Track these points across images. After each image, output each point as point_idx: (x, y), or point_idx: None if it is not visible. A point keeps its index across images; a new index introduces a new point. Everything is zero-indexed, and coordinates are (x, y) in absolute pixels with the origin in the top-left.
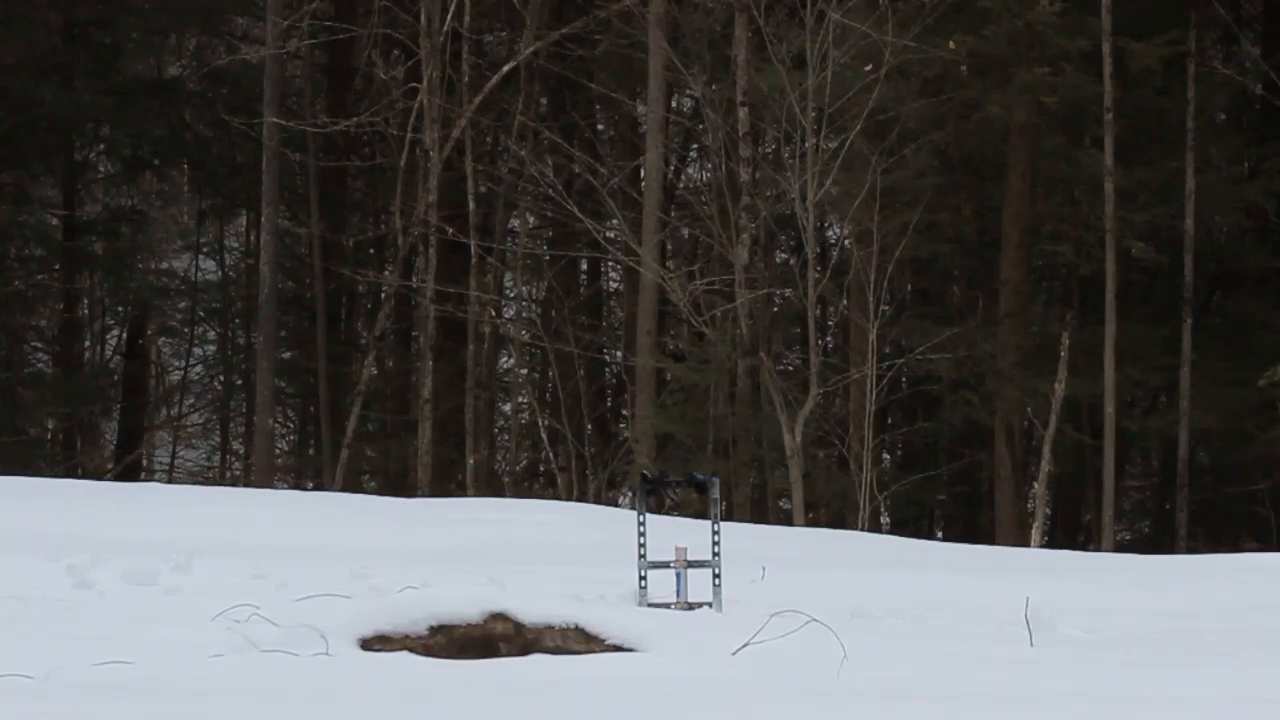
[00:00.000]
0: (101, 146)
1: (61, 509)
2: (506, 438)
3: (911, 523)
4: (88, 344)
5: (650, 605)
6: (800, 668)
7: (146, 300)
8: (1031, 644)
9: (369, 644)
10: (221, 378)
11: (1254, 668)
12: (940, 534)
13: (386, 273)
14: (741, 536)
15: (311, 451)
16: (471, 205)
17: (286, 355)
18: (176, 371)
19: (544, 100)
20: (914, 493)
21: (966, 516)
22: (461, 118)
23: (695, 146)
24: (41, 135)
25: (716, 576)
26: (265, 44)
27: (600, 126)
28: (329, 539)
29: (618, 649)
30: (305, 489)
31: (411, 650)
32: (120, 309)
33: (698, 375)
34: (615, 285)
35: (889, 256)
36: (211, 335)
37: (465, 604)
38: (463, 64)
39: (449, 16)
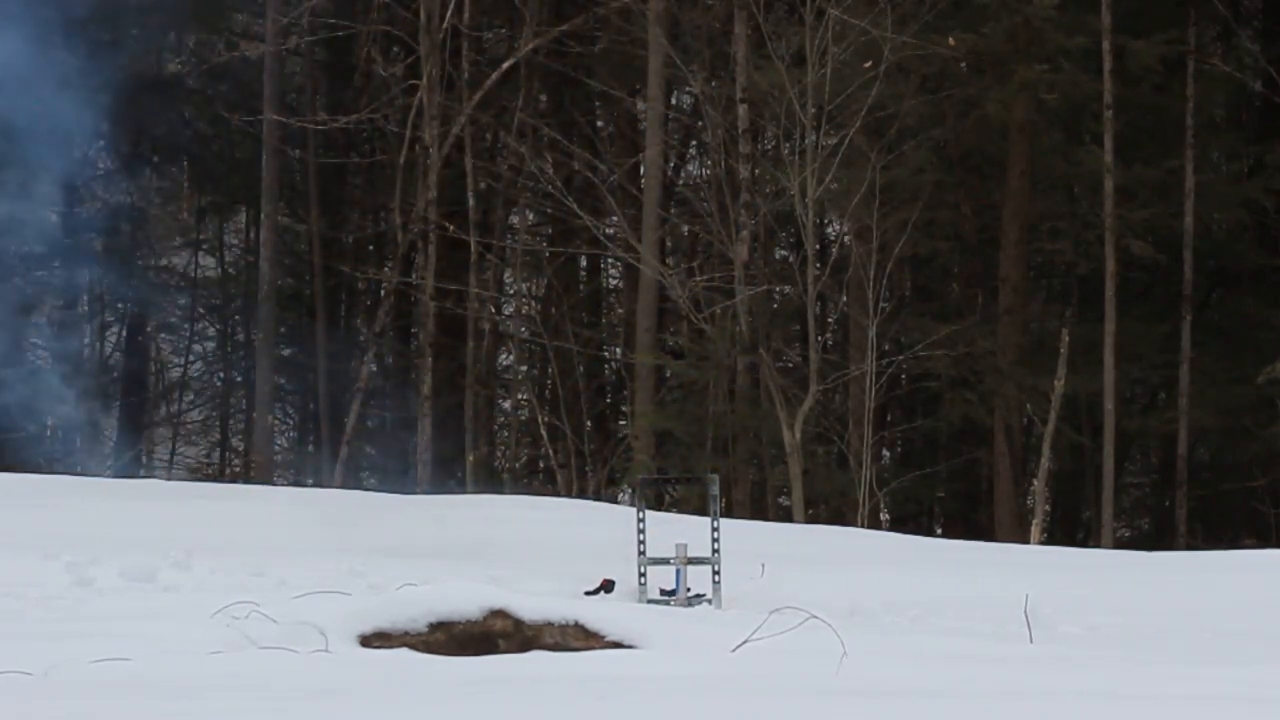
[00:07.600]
0: (101, 143)
1: (60, 506)
2: (506, 434)
3: (911, 520)
4: (87, 341)
5: (650, 602)
6: (800, 665)
7: (146, 297)
8: (1031, 641)
9: (368, 641)
10: (221, 374)
11: (1254, 664)
12: (940, 531)
13: (386, 269)
14: (741, 533)
15: (311, 448)
16: (471, 202)
17: (286, 352)
18: (176, 368)
19: (543, 97)
20: (913, 490)
21: (966, 513)
22: (461, 114)
23: (695, 143)
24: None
25: (716, 573)
26: (265, 40)
27: (600, 123)
28: (328, 536)
29: (617, 645)
30: (305, 486)
31: (411, 647)
32: (120, 305)
33: (697, 372)
34: (615, 282)
35: (888, 253)
36: (211, 332)
37: (465, 601)
38: (462, 60)
39: (448, 13)
